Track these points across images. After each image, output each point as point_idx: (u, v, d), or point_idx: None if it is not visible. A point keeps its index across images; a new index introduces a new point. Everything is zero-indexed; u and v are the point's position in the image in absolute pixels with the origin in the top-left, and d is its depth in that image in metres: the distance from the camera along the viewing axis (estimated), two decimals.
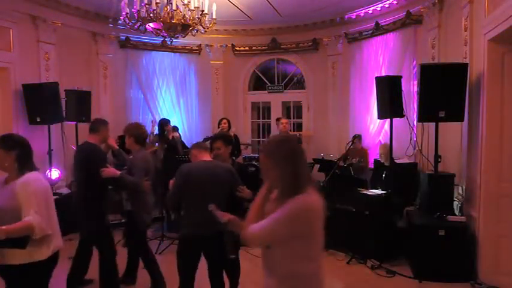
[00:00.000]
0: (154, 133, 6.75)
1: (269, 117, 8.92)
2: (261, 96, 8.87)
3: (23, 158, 2.51)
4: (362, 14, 7.09)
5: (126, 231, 4.45)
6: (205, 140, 6.26)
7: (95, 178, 3.63)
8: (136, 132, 3.95)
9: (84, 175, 3.74)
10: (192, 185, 3.15)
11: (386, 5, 6.57)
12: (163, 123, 6.50)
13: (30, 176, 2.49)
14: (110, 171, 3.66)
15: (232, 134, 6.95)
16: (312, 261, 1.86)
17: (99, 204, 3.79)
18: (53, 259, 2.58)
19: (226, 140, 3.66)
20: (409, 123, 5.08)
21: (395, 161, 5.42)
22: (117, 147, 4.26)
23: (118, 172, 3.72)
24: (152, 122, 7.17)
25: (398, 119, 5.09)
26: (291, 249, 1.81)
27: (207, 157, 3.37)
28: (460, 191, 4.64)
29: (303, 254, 1.82)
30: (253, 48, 8.43)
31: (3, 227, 2.21)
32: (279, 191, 1.88)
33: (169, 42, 5.59)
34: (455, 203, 4.66)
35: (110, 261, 3.80)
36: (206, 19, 5.27)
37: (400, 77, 5.13)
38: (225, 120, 6.91)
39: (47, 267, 2.56)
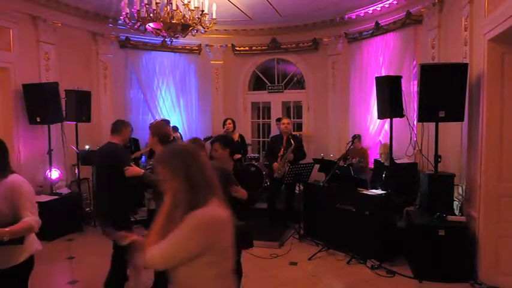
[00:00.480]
0: None
1: (269, 117, 8.93)
2: (261, 96, 8.87)
3: (5, 161, 2.52)
4: (362, 14, 7.09)
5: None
6: (206, 139, 6.26)
7: (120, 178, 3.62)
8: (161, 131, 3.92)
9: (109, 175, 3.72)
10: None
11: (386, 5, 6.57)
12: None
13: (17, 178, 2.50)
14: (134, 170, 3.66)
15: (237, 134, 6.95)
16: (220, 279, 1.70)
17: (124, 204, 3.78)
18: (31, 261, 2.59)
19: (223, 142, 3.65)
20: (409, 123, 5.08)
21: (395, 161, 5.42)
22: None
23: (141, 171, 3.73)
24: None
25: (398, 119, 5.09)
26: (196, 268, 1.64)
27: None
28: (460, 191, 4.64)
29: (209, 271, 1.66)
30: (253, 48, 8.42)
31: (7, 229, 2.26)
32: (180, 206, 1.71)
33: (169, 42, 5.58)
34: (455, 203, 4.65)
35: (124, 263, 3.72)
36: (206, 19, 5.27)
37: (400, 77, 5.13)
38: (229, 121, 6.85)
39: (30, 266, 2.59)
